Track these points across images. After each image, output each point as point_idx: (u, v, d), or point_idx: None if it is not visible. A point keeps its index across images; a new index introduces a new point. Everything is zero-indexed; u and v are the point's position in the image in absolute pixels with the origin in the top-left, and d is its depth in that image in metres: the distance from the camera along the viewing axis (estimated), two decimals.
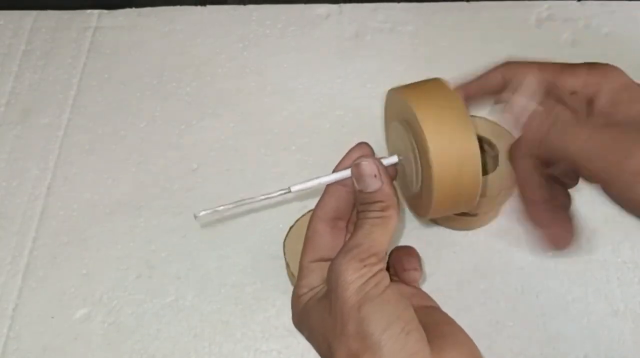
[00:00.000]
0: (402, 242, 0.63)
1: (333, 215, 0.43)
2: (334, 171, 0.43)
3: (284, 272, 0.61)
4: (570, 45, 0.77)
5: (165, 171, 0.69)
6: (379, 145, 0.69)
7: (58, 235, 0.65)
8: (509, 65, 0.45)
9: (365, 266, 0.37)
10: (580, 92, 0.41)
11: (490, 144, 0.60)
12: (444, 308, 0.60)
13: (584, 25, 0.78)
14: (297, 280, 0.43)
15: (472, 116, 0.61)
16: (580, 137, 0.38)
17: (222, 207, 0.43)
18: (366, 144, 0.44)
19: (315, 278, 0.42)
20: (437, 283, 0.61)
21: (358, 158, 0.42)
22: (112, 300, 0.61)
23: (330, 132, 0.71)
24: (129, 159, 0.70)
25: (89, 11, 0.81)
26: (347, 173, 0.42)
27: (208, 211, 0.42)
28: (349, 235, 0.42)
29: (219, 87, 0.75)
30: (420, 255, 0.64)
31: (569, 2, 0.80)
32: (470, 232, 0.64)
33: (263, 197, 0.45)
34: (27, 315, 0.61)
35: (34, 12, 0.81)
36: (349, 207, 0.43)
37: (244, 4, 0.81)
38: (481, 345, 0.58)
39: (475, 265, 0.62)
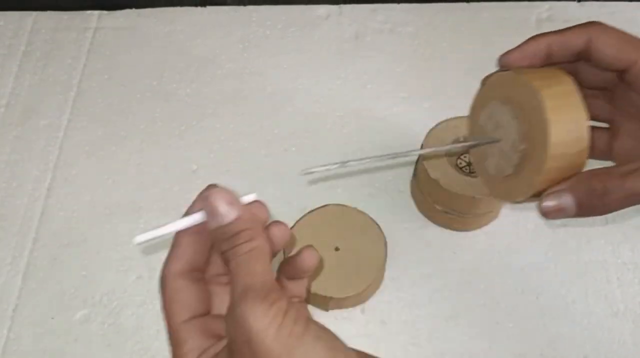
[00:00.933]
0: (402, 244, 0.63)
1: (189, 268, 0.38)
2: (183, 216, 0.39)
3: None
4: None
5: (165, 172, 0.69)
6: (380, 146, 0.70)
7: (58, 236, 0.65)
8: (596, 27, 0.41)
9: (272, 305, 0.32)
10: None
11: None
12: (444, 309, 0.60)
13: None
14: (174, 347, 0.37)
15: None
16: None
17: (333, 166, 0.42)
18: (215, 185, 0.39)
19: (198, 339, 0.36)
20: (437, 283, 0.61)
21: (204, 190, 0.38)
22: (112, 301, 0.61)
23: (330, 133, 0.71)
24: (129, 160, 0.70)
25: (89, 12, 0.81)
26: (198, 216, 0.38)
27: (318, 167, 0.41)
28: (216, 286, 0.39)
29: (219, 88, 0.75)
30: (421, 255, 0.64)
31: (569, 2, 0.80)
32: (470, 233, 0.64)
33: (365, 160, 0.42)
34: (27, 316, 0.61)
35: (34, 13, 0.81)
36: (203, 256, 0.39)
37: (244, 4, 0.81)
38: (481, 345, 0.59)
39: (475, 266, 0.62)
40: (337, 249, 0.59)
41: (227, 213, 0.36)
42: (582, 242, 0.63)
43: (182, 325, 0.37)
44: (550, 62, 0.42)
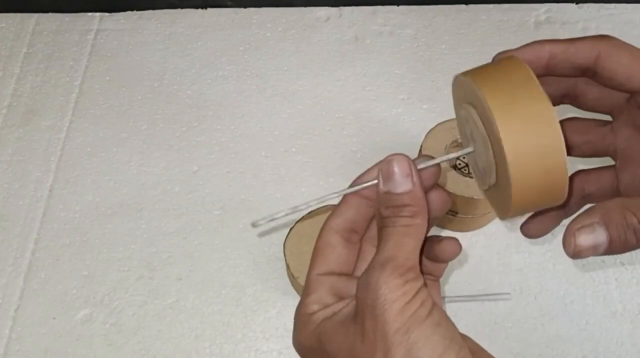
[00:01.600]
0: None
1: (348, 227, 0.38)
2: (357, 179, 0.39)
3: (285, 273, 0.62)
4: None
5: (166, 173, 0.69)
6: (379, 147, 0.70)
7: (60, 236, 0.65)
8: (607, 42, 0.37)
9: (406, 282, 0.32)
10: None
11: None
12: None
13: (582, 28, 0.79)
14: (303, 295, 0.38)
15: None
16: None
17: (279, 214, 0.39)
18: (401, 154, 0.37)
19: (326, 293, 0.37)
20: None
21: (390, 155, 0.36)
22: (114, 302, 0.62)
23: (330, 135, 0.71)
24: (130, 161, 0.70)
25: (90, 14, 0.82)
26: (373, 181, 0.37)
27: (265, 219, 0.39)
28: (366, 252, 0.39)
29: (220, 90, 0.75)
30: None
31: (568, 4, 0.81)
32: (469, 233, 0.64)
33: (315, 202, 0.39)
34: (29, 316, 0.61)
35: (35, 15, 0.82)
36: (365, 221, 0.39)
37: (245, 7, 0.82)
38: (480, 345, 0.59)
39: (474, 266, 0.63)
40: None
41: (401, 182, 0.35)
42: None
43: (315, 277, 0.38)
44: (549, 74, 0.38)
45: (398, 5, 0.81)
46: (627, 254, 0.63)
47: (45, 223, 0.66)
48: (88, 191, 0.68)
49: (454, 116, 0.62)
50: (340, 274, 0.38)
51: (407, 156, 0.36)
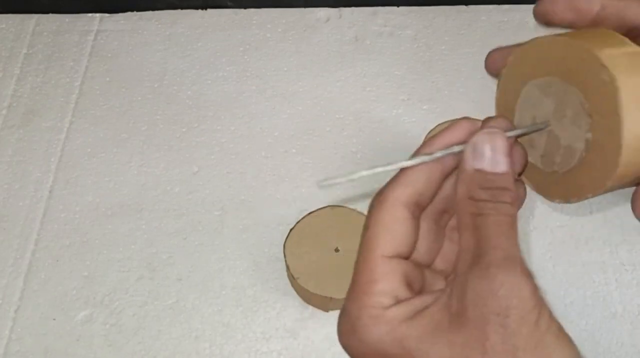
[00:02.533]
0: None
1: (415, 200, 0.31)
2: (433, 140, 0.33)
3: (285, 274, 0.62)
4: None
5: (167, 174, 0.69)
6: (379, 148, 0.70)
7: (60, 237, 0.65)
8: None
9: (536, 289, 0.28)
10: None
11: None
12: None
13: None
14: (363, 282, 0.30)
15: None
16: None
17: (357, 174, 0.31)
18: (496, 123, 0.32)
19: (397, 283, 0.30)
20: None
21: (489, 123, 0.31)
22: (114, 302, 0.62)
23: (330, 135, 0.71)
24: (131, 162, 0.70)
25: (90, 15, 0.82)
26: (456, 149, 0.32)
27: (341, 176, 0.31)
28: (426, 234, 0.33)
29: (220, 91, 0.75)
30: None
31: None
32: None
33: (381, 169, 0.31)
34: (29, 317, 0.61)
35: (35, 16, 0.82)
36: (432, 194, 0.32)
37: (245, 7, 0.82)
38: None
39: None
40: (337, 250, 0.59)
41: (498, 161, 0.30)
42: (580, 243, 0.64)
43: (383, 260, 0.30)
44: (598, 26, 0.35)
45: (398, 6, 0.81)
46: (627, 255, 0.63)
47: (45, 223, 0.66)
48: (88, 192, 0.68)
49: (454, 117, 0.62)
50: (407, 258, 0.31)
51: (501, 132, 0.31)
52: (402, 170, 0.32)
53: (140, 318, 0.61)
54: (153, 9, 0.82)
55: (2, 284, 0.63)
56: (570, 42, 0.32)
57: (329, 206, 0.62)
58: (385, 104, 0.73)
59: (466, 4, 0.81)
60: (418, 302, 0.30)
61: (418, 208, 0.32)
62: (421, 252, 0.33)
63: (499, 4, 0.81)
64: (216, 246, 0.65)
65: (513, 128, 0.33)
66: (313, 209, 0.62)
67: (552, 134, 0.34)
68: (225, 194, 0.68)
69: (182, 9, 0.82)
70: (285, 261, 0.59)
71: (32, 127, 0.73)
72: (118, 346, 0.59)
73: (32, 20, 0.82)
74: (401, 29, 0.79)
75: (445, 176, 0.33)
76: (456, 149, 0.32)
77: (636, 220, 0.62)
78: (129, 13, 0.82)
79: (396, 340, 0.29)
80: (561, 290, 0.61)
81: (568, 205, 0.65)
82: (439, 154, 0.31)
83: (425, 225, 0.33)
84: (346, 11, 0.81)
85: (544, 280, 0.62)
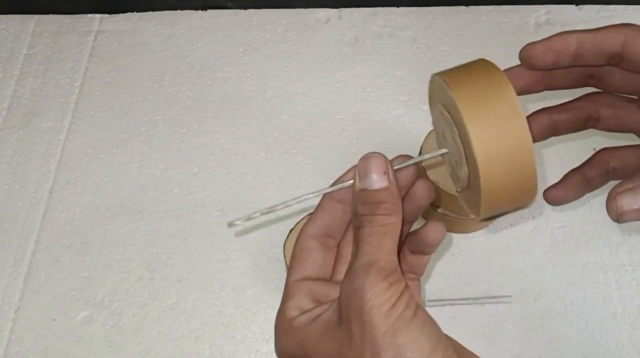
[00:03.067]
0: None
1: (324, 232, 0.39)
2: (336, 182, 0.39)
3: (285, 274, 0.62)
4: None
5: (166, 174, 0.69)
6: (379, 149, 0.70)
7: (60, 238, 0.65)
8: (634, 27, 0.37)
9: (391, 285, 0.33)
10: None
11: None
12: (443, 310, 0.61)
13: None
14: (282, 301, 0.38)
15: None
16: None
17: (256, 214, 0.39)
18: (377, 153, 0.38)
19: (304, 299, 0.37)
20: (436, 285, 0.62)
21: (366, 154, 0.37)
22: (114, 303, 0.62)
23: (330, 136, 0.71)
24: (131, 163, 0.70)
25: (90, 15, 0.82)
26: (346, 184, 0.38)
27: (241, 219, 0.39)
28: (344, 256, 0.40)
29: (220, 91, 0.75)
30: None
31: (568, 6, 0.81)
32: (469, 235, 0.64)
33: (293, 201, 0.39)
34: (29, 317, 0.61)
35: (35, 17, 0.82)
36: (342, 226, 0.40)
37: (245, 8, 0.82)
38: (480, 347, 0.59)
39: (474, 268, 0.63)
40: None
41: (377, 179, 0.35)
42: (580, 244, 0.64)
43: (294, 283, 0.38)
44: (576, 64, 0.39)
45: (398, 6, 0.81)
46: (627, 255, 0.63)
47: (45, 224, 0.66)
48: (88, 192, 0.68)
49: None
50: (317, 279, 0.38)
51: (382, 154, 0.36)
52: (315, 209, 0.39)
53: (140, 319, 0.61)
54: (153, 10, 0.82)
55: (2, 285, 0.63)
56: (437, 80, 0.37)
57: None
58: (385, 104, 0.73)
59: (466, 5, 0.81)
60: (318, 310, 0.36)
61: (331, 239, 0.39)
62: (341, 271, 0.40)
63: (498, 4, 0.81)
64: (216, 247, 0.65)
65: (408, 159, 0.38)
66: (313, 210, 0.62)
67: (450, 156, 0.39)
68: (225, 195, 0.68)
69: (182, 9, 0.82)
70: (285, 262, 0.59)
71: (32, 127, 0.73)
72: (118, 347, 0.59)
73: (32, 21, 0.82)
74: (401, 30, 0.79)
75: (348, 209, 0.39)
76: (347, 184, 0.37)
77: (636, 221, 0.62)
78: (129, 14, 0.82)
79: (297, 341, 0.36)
80: (561, 291, 0.61)
81: (568, 205, 0.65)
82: (328, 190, 0.38)
83: (345, 249, 0.40)
84: (346, 12, 0.81)
85: (544, 281, 0.62)
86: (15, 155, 0.71)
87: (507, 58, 0.79)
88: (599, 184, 0.43)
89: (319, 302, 0.37)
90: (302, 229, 0.40)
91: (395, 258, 0.34)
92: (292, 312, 0.37)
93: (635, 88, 0.39)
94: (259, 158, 0.70)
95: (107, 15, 0.82)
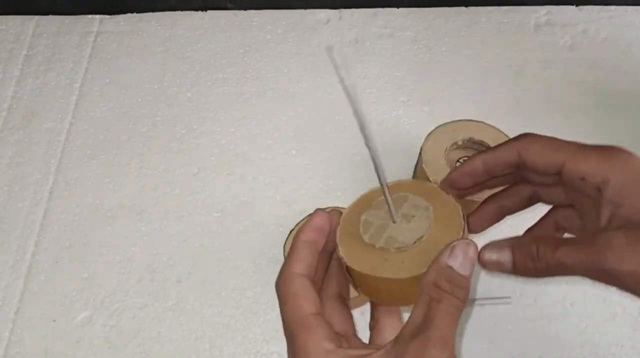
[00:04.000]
0: None
1: (308, 273, 0.40)
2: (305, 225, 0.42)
3: None
4: (568, 50, 0.77)
5: (166, 175, 0.69)
6: (379, 150, 0.70)
7: (60, 239, 0.65)
8: (524, 140, 0.43)
9: None
10: (588, 179, 0.40)
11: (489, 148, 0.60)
12: None
13: (582, 30, 0.79)
14: (304, 336, 0.37)
15: (470, 120, 0.62)
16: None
17: None
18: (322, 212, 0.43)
19: (330, 332, 0.37)
20: None
21: (468, 240, 0.39)
22: (114, 304, 0.62)
23: (330, 137, 0.71)
24: (130, 164, 0.70)
25: (90, 16, 0.82)
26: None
27: None
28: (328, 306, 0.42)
29: (220, 92, 0.75)
30: None
31: (568, 7, 0.81)
32: (470, 236, 0.64)
33: None
34: (29, 318, 0.61)
35: (35, 17, 0.82)
36: (318, 272, 0.42)
37: (245, 9, 0.82)
38: (480, 348, 0.59)
39: (474, 270, 0.63)
40: None
41: (466, 266, 0.38)
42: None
43: (313, 316, 0.37)
44: (493, 176, 0.44)
45: (398, 7, 0.81)
46: None
47: (45, 225, 0.66)
48: (88, 193, 0.68)
49: (454, 119, 0.62)
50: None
51: (475, 244, 0.39)
52: (291, 250, 0.41)
53: (140, 319, 0.61)
54: (153, 11, 0.82)
55: (2, 286, 0.63)
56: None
57: (328, 208, 0.61)
58: (385, 105, 0.73)
59: (466, 6, 0.81)
60: (365, 351, 0.36)
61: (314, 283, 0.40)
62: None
63: (498, 5, 0.81)
64: (216, 248, 0.65)
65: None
66: (313, 211, 0.62)
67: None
68: (225, 196, 0.68)
69: (181, 10, 0.82)
70: None
71: (32, 128, 0.73)
72: (118, 348, 0.59)
73: (32, 22, 0.82)
74: (401, 31, 0.79)
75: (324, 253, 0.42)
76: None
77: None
78: (129, 15, 0.82)
79: None
80: (561, 292, 0.61)
81: None
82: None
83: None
84: (346, 13, 0.81)
85: (544, 282, 0.62)
86: (15, 156, 0.71)
87: (507, 58, 0.80)
88: (519, 209, 0.47)
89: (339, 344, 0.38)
90: (289, 269, 0.40)
91: None
92: (326, 344, 0.36)
93: (548, 181, 0.43)
94: (259, 159, 0.70)
95: (107, 16, 0.82)
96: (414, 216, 0.42)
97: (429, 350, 0.34)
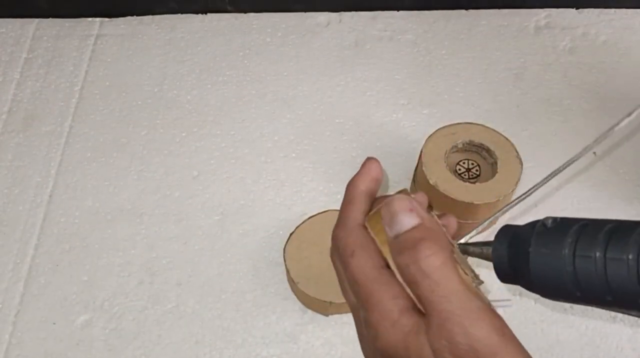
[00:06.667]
0: None
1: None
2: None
3: (285, 278, 0.62)
4: (568, 53, 0.77)
5: (166, 178, 0.69)
6: (379, 152, 0.70)
7: (60, 242, 0.65)
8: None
9: (493, 318, 0.34)
10: None
11: (489, 151, 0.61)
12: None
13: (582, 33, 0.79)
14: (378, 294, 0.34)
15: (470, 123, 0.62)
16: None
17: None
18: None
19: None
20: None
21: (389, 199, 0.35)
22: (114, 307, 0.62)
23: (329, 140, 0.71)
24: (130, 167, 0.70)
25: (90, 19, 0.82)
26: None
27: None
28: None
29: (220, 95, 0.75)
30: None
31: (568, 10, 0.81)
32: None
33: None
34: (29, 321, 0.61)
35: (35, 20, 0.82)
36: None
37: (245, 12, 0.82)
38: None
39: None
40: None
41: (407, 219, 0.33)
42: None
43: (385, 270, 0.34)
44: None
45: (398, 10, 0.81)
46: None
47: (45, 228, 0.66)
48: (88, 196, 0.68)
49: (454, 121, 0.62)
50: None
51: (405, 195, 0.35)
52: (349, 202, 0.38)
53: (140, 322, 0.61)
54: (153, 14, 0.82)
55: (2, 288, 0.63)
56: None
57: (329, 210, 0.62)
58: (385, 108, 0.73)
59: (466, 9, 0.81)
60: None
61: None
62: None
63: (498, 8, 0.81)
64: (216, 251, 0.65)
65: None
66: (313, 213, 0.62)
67: None
68: (225, 199, 0.68)
69: (181, 13, 0.82)
70: (285, 265, 0.59)
71: (32, 131, 0.73)
72: (118, 350, 0.59)
73: (32, 25, 0.82)
74: (401, 34, 0.79)
75: None
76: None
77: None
78: (129, 17, 0.82)
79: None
80: None
81: (568, 208, 0.65)
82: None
83: None
84: (346, 16, 0.81)
85: None
86: (15, 159, 0.71)
87: (506, 61, 0.80)
88: None
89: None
90: (353, 221, 0.37)
91: (470, 284, 0.34)
92: (401, 301, 0.33)
93: None
94: (258, 162, 0.70)
95: (107, 19, 0.82)
96: None
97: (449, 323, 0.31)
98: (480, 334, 0.32)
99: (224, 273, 0.63)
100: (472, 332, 0.32)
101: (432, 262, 0.32)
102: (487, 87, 0.75)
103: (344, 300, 0.58)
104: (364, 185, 0.38)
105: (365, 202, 0.38)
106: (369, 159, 0.39)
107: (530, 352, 0.60)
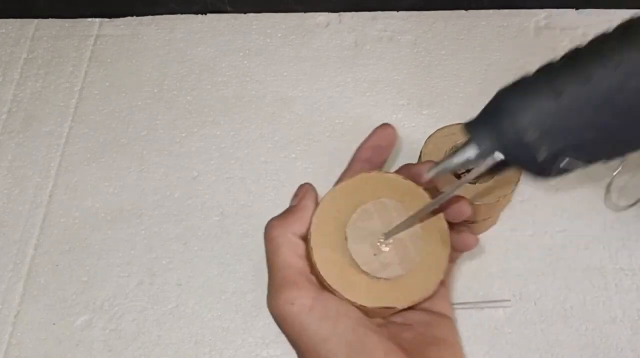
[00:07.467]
0: None
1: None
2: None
3: None
4: None
5: (166, 179, 0.69)
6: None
7: (60, 242, 0.65)
8: None
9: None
10: None
11: None
12: None
13: (583, 34, 0.79)
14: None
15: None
16: None
17: None
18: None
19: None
20: None
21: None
22: (114, 307, 0.62)
23: (330, 141, 0.71)
24: (130, 167, 0.70)
25: (90, 20, 0.82)
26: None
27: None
28: None
29: (220, 96, 0.75)
30: None
31: (568, 10, 0.81)
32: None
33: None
34: (28, 322, 0.61)
35: (35, 21, 0.82)
36: None
37: (245, 13, 0.82)
38: (480, 351, 0.59)
39: (474, 272, 0.63)
40: None
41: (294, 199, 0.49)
42: (580, 248, 0.64)
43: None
44: None
45: (398, 11, 0.81)
46: (627, 260, 0.63)
47: (45, 229, 0.66)
48: (88, 197, 0.68)
49: (454, 122, 0.62)
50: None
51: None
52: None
53: (140, 323, 0.61)
54: (153, 14, 0.82)
55: (2, 289, 0.63)
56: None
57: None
58: (385, 109, 0.73)
59: (466, 9, 0.81)
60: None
61: None
62: None
63: (498, 9, 0.81)
64: (216, 251, 0.65)
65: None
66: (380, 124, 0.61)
67: None
68: (225, 199, 0.68)
69: (181, 14, 0.82)
70: None
71: (32, 132, 0.73)
72: (118, 351, 0.59)
73: (32, 26, 0.82)
74: (401, 34, 0.79)
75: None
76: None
77: (637, 225, 0.63)
78: (129, 18, 0.82)
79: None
80: (561, 295, 0.61)
81: (568, 209, 0.65)
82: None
83: None
84: (346, 16, 0.81)
85: (543, 285, 0.62)
86: (15, 160, 0.71)
87: (507, 62, 0.80)
88: None
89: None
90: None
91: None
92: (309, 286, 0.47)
93: None
94: (259, 162, 0.70)
95: (107, 20, 0.82)
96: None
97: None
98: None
99: (224, 274, 0.63)
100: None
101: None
102: (487, 87, 0.75)
103: None
104: (360, 153, 0.50)
105: (361, 168, 0.49)
106: (383, 125, 0.48)
107: (530, 353, 0.60)
